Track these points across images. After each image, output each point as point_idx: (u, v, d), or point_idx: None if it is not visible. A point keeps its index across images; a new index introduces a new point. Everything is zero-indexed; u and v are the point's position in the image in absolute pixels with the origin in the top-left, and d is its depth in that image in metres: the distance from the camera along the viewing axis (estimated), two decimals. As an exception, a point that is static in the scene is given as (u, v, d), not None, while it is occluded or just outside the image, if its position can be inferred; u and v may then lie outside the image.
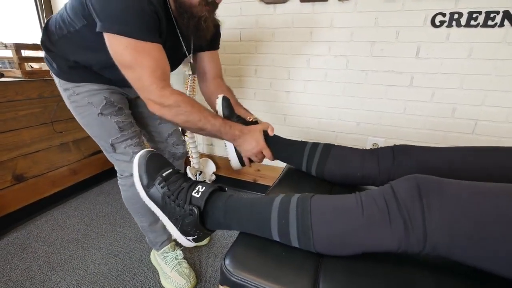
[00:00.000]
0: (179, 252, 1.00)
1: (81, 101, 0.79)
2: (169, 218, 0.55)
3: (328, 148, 0.69)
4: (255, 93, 1.47)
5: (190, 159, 1.48)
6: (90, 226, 1.29)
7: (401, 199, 0.40)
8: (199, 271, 1.05)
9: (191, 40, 0.82)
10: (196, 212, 0.51)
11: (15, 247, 1.14)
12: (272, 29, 1.32)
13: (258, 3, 1.31)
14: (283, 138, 0.79)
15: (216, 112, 0.82)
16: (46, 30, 0.77)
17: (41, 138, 1.33)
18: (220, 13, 1.38)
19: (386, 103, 1.23)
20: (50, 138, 1.37)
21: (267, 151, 0.76)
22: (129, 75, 0.64)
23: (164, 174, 0.56)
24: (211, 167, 1.65)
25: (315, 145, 0.71)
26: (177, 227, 0.55)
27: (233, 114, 0.81)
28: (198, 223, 0.51)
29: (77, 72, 0.77)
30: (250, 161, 0.81)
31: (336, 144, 0.72)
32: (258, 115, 1.50)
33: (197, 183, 0.56)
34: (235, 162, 0.82)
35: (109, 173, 1.68)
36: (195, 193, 0.54)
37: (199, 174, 1.55)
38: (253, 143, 0.74)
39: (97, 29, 0.60)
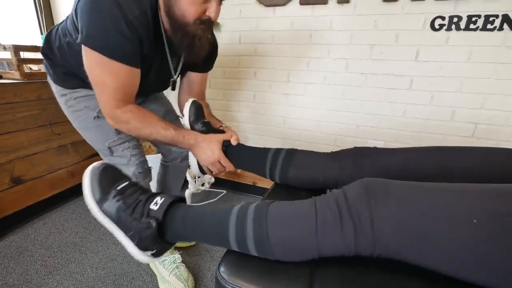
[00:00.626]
0: (177, 256, 1.00)
1: (78, 105, 0.79)
2: (126, 233, 0.52)
3: (291, 154, 0.68)
4: (255, 95, 1.47)
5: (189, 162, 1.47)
6: (88, 229, 1.28)
7: (351, 202, 0.41)
8: (197, 275, 1.04)
9: (180, 61, 0.81)
10: (154, 224, 0.48)
11: (12, 251, 1.13)
12: (271, 31, 1.33)
13: (258, 6, 1.31)
14: (246, 146, 0.77)
15: (182, 116, 0.81)
16: (47, 38, 0.79)
17: (39, 140, 1.32)
18: (220, 15, 1.38)
19: (386, 106, 1.23)
20: (48, 140, 1.36)
21: (225, 161, 0.73)
22: (95, 89, 0.68)
23: (119, 188, 0.53)
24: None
25: (277, 151, 0.70)
26: (134, 242, 0.52)
27: (199, 119, 0.79)
28: (156, 235, 0.49)
29: (73, 78, 0.78)
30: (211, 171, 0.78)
31: (301, 149, 0.71)
32: (257, 118, 1.51)
33: (155, 195, 0.54)
34: (194, 169, 0.81)
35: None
36: (153, 205, 0.51)
37: (198, 177, 1.54)
38: (208, 152, 0.72)
39: (77, 41, 0.63)
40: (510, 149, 0.55)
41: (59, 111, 1.38)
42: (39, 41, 1.60)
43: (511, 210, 0.35)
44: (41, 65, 1.44)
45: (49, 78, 0.85)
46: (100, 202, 0.53)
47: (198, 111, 0.80)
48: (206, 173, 0.81)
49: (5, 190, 1.21)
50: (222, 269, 0.44)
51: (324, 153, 0.68)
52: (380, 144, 1.28)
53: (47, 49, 0.79)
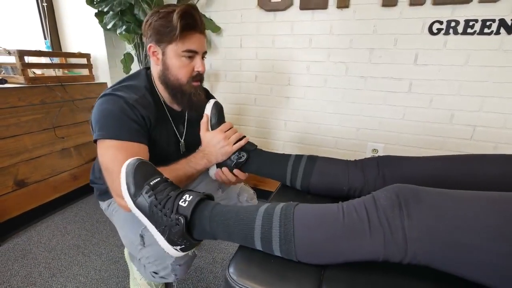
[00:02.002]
0: None
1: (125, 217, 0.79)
2: (157, 228, 0.54)
3: (313, 161, 0.68)
4: (256, 99, 1.48)
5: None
6: (90, 232, 1.29)
7: (381, 207, 0.40)
8: (199, 277, 1.05)
9: (184, 126, 0.87)
10: (182, 221, 0.50)
11: (16, 253, 1.14)
12: (272, 35, 1.35)
13: (259, 11, 1.33)
14: (265, 152, 0.76)
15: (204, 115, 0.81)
16: (91, 173, 0.90)
17: (42, 143, 1.34)
18: (221, 20, 1.41)
19: (385, 109, 1.24)
20: (51, 144, 1.38)
21: (235, 146, 0.74)
22: (107, 176, 0.68)
23: (152, 183, 0.55)
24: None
25: (298, 157, 0.70)
26: (164, 237, 0.54)
27: (220, 121, 0.79)
28: (185, 232, 0.51)
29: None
30: (236, 166, 0.76)
31: (322, 156, 0.70)
32: (258, 121, 1.52)
33: (184, 192, 0.55)
34: (213, 175, 0.79)
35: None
36: (182, 202, 0.52)
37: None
38: (214, 141, 0.74)
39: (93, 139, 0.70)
40: None
41: (62, 115, 1.40)
42: (42, 46, 1.63)
43: None
44: (45, 69, 1.46)
45: (99, 202, 0.90)
46: (134, 197, 0.55)
47: (220, 113, 0.81)
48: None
49: (9, 193, 1.22)
50: (231, 270, 0.45)
51: (345, 160, 0.67)
52: (380, 146, 1.30)
53: (93, 178, 0.88)
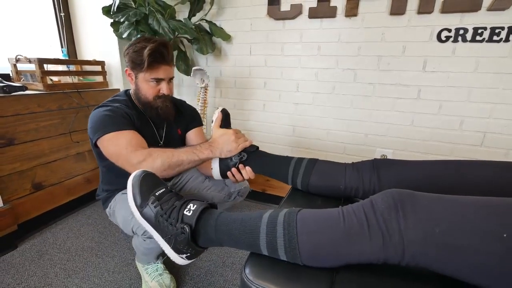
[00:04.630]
0: (160, 265, 1.01)
1: (121, 197, 0.95)
2: (163, 237, 0.56)
3: (312, 163, 0.72)
4: (265, 104, 1.51)
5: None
6: (103, 234, 1.32)
7: (379, 211, 0.42)
8: (210, 280, 1.06)
9: (163, 130, 1.02)
10: (187, 230, 0.52)
11: (32, 254, 1.18)
12: (281, 43, 1.38)
13: (268, 19, 1.36)
14: (268, 154, 0.81)
15: (212, 121, 0.88)
16: (99, 192, 1.07)
17: (59, 148, 1.38)
18: (232, 29, 1.45)
19: (394, 115, 1.25)
20: (67, 148, 1.42)
21: (242, 139, 0.81)
22: (115, 160, 0.82)
23: (157, 194, 0.58)
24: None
25: (300, 160, 0.74)
26: (170, 246, 0.56)
27: (226, 127, 0.85)
28: (190, 241, 0.53)
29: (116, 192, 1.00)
30: (238, 164, 0.81)
31: (322, 159, 0.74)
32: (267, 126, 1.55)
33: (189, 201, 0.57)
34: (216, 174, 0.83)
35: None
36: (186, 211, 0.55)
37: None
38: (224, 139, 0.79)
39: (94, 142, 0.85)
40: None
41: (78, 120, 1.45)
42: (59, 54, 1.69)
43: None
44: (61, 76, 1.52)
45: (106, 210, 1.03)
46: (140, 207, 0.58)
47: (226, 119, 0.87)
48: (227, 178, 0.84)
49: (26, 196, 1.26)
50: (247, 271, 0.46)
51: (344, 163, 0.70)
52: (388, 152, 1.30)
53: (98, 192, 1.06)
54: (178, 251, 0.55)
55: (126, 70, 0.91)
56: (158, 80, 0.89)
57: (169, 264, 1.06)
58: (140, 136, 0.86)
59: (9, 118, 1.16)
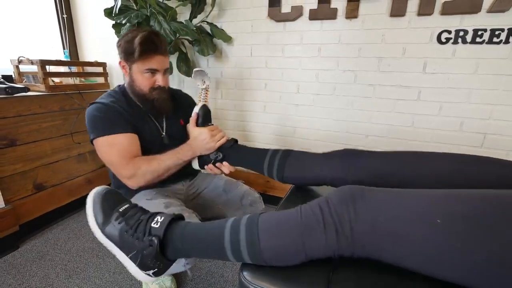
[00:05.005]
0: None
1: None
2: (127, 255, 0.54)
3: (286, 154, 0.75)
4: (265, 106, 1.51)
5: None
6: (104, 235, 1.32)
7: (333, 206, 0.45)
8: (210, 281, 1.07)
9: (163, 121, 0.98)
10: (156, 242, 0.51)
11: (34, 255, 1.18)
12: (281, 45, 1.38)
13: (269, 21, 1.37)
14: (247, 147, 0.86)
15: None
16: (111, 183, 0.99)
17: (60, 149, 1.39)
18: (233, 30, 1.46)
19: (394, 117, 1.26)
20: (69, 149, 1.43)
21: (219, 135, 0.85)
22: (110, 167, 0.85)
23: (121, 210, 0.56)
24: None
25: (275, 152, 0.77)
26: (135, 263, 0.54)
27: (206, 122, 0.90)
28: (158, 252, 0.51)
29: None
30: (214, 163, 0.86)
31: (296, 150, 0.77)
32: (267, 128, 1.55)
33: (155, 214, 0.56)
34: (195, 166, 0.90)
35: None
36: (154, 224, 0.53)
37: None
38: (203, 142, 0.84)
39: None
40: (478, 156, 0.59)
41: (80, 121, 1.46)
42: (61, 55, 1.70)
43: (470, 211, 0.39)
44: (63, 78, 1.52)
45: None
46: (102, 226, 0.55)
47: (206, 115, 0.90)
48: (204, 169, 0.89)
49: (28, 196, 1.27)
50: (245, 272, 0.47)
51: (316, 153, 0.73)
52: (389, 153, 1.30)
53: (115, 186, 0.95)
54: (144, 267, 0.54)
55: (120, 62, 0.88)
56: (153, 71, 0.86)
57: (169, 265, 1.07)
58: (133, 140, 0.84)
59: (11, 119, 1.17)
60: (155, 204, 0.84)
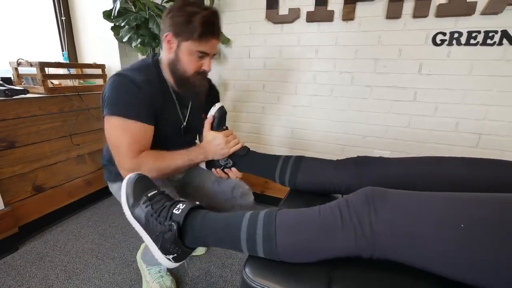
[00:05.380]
0: (162, 267, 1.02)
1: None
2: (150, 236, 0.58)
3: (299, 160, 0.75)
4: (264, 107, 1.53)
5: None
6: (103, 236, 1.33)
7: (353, 207, 0.45)
8: (210, 281, 1.07)
9: (187, 110, 0.93)
10: (175, 227, 0.54)
11: (33, 256, 1.18)
12: (279, 46, 1.39)
13: (267, 23, 1.38)
14: (258, 153, 0.85)
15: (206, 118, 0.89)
16: (104, 154, 0.95)
17: (59, 150, 1.39)
18: (231, 32, 1.47)
19: (391, 117, 1.27)
20: (68, 151, 1.43)
21: (233, 142, 0.83)
22: (113, 151, 0.78)
23: (149, 195, 0.60)
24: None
25: (287, 158, 0.77)
26: (157, 245, 0.57)
27: (220, 125, 0.87)
28: (177, 238, 0.54)
29: None
30: (224, 168, 0.86)
31: (308, 156, 0.78)
32: (266, 128, 1.56)
33: (178, 202, 0.59)
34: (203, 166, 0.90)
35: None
36: (175, 210, 0.57)
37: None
38: (217, 146, 0.82)
39: (103, 114, 0.77)
40: (495, 160, 0.60)
41: (79, 123, 1.46)
42: (60, 57, 1.71)
43: (490, 216, 0.39)
44: (62, 80, 1.53)
45: (110, 183, 0.94)
46: (132, 207, 0.60)
47: (222, 117, 0.88)
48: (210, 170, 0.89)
49: (28, 198, 1.27)
50: (247, 270, 0.48)
51: (329, 160, 0.74)
52: (386, 154, 1.32)
53: (105, 162, 0.93)
54: (165, 251, 0.57)
55: (167, 35, 0.77)
56: (203, 55, 0.79)
57: (169, 265, 1.08)
58: (149, 132, 0.79)
59: (10, 121, 1.17)
60: None
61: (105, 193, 1.68)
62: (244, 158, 0.84)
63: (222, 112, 0.88)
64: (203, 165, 0.91)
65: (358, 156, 0.71)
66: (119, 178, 0.87)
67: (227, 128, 0.88)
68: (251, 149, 0.87)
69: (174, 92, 0.87)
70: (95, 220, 1.46)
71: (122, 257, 1.19)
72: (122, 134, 0.74)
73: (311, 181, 0.72)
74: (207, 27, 0.74)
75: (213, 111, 0.87)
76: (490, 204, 0.41)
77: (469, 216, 0.40)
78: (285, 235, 0.47)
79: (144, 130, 0.77)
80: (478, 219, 0.39)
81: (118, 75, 0.76)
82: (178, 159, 0.80)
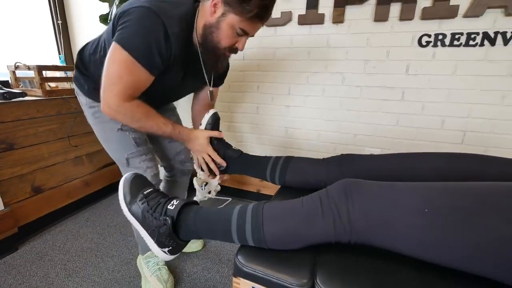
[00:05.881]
0: (160, 260, 1.06)
1: (105, 117, 0.85)
2: (147, 231, 0.62)
3: (288, 161, 0.81)
4: (258, 107, 1.57)
5: (197, 170, 1.55)
6: (102, 236, 1.36)
7: (332, 197, 0.50)
8: (207, 277, 1.11)
9: (212, 74, 0.93)
10: (169, 221, 0.58)
11: (33, 255, 1.21)
12: (273, 48, 1.43)
13: (260, 26, 1.42)
14: (249, 155, 0.91)
15: (200, 124, 0.94)
16: (80, 53, 0.88)
17: (57, 152, 1.42)
18: (225, 35, 1.50)
19: (381, 116, 1.32)
20: (66, 152, 1.46)
21: (212, 153, 0.88)
22: (106, 80, 0.72)
23: (145, 192, 0.64)
24: (216, 178, 1.72)
25: (277, 158, 0.84)
26: (153, 239, 0.61)
27: (215, 130, 0.92)
28: (171, 231, 0.58)
29: None
30: (210, 171, 0.93)
31: (297, 156, 0.84)
32: (260, 128, 1.60)
33: (172, 198, 0.64)
34: (198, 169, 0.97)
35: (118, 185, 1.75)
36: (170, 206, 0.61)
37: (205, 185, 1.62)
38: (196, 146, 0.89)
39: (112, 39, 0.70)
40: (472, 154, 0.65)
41: (76, 125, 1.49)
42: (56, 61, 1.73)
43: (453, 202, 0.44)
44: (59, 82, 1.55)
45: (78, 90, 0.93)
46: (129, 204, 0.64)
47: (216, 123, 0.93)
48: (206, 173, 0.93)
49: (27, 199, 1.30)
50: (239, 256, 0.52)
51: (315, 159, 0.80)
52: (376, 151, 1.36)
53: (80, 63, 0.88)
54: (161, 244, 0.61)
55: None
56: (243, 33, 0.76)
57: (168, 261, 1.11)
58: (149, 82, 0.75)
59: (9, 123, 1.20)
60: (125, 136, 0.89)
61: (103, 194, 1.71)
62: (237, 160, 0.89)
63: (216, 118, 0.93)
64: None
65: (341, 154, 0.77)
66: (92, 95, 0.87)
67: (220, 131, 0.93)
68: (246, 149, 0.91)
69: (200, 54, 0.83)
70: (93, 220, 1.48)
71: (121, 256, 1.22)
72: (125, 73, 0.70)
73: (299, 179, 0.77)
74: (261, 11, 0.71)
75: (206, 117, 0.92)
76: (454, 190, 0.46)
77: (434, 201, 0.44)
78: (271, 225, 0.51)
79: (147, 80, 0.74)
80: (441, 204, 0.44)
81: (152, 10, 0.67)
82: (162, 127, 0.81)
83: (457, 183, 0.48)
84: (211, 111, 0.92)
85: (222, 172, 0.93)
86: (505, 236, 0.38)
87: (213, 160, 0.90)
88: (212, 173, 0.94)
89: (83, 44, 0.92)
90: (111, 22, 0.75)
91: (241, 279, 0.52)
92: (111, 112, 0.75)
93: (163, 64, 0.74)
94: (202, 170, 0.95)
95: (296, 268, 0.48)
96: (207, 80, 0.91)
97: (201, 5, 0.77)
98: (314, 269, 0.48)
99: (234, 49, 0.80)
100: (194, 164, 0.97)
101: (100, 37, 0.84)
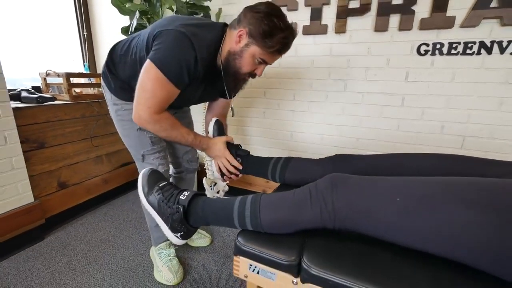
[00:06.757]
0: (171, 251, 1.16)
1: (127, 116, 0.96)
2: (162, 218, 0.71)
3: (287, 161, 0.90)
4: (265, 112, 1.65)
5: (207, 171, 1.65)
6: (118, 229, 1.47)
7: (320, 188, 0.58)
8: (213, 269, 1.19)
9: (231, 92, 1.02)
10: (181, 209, 0.67)
11: (58, 244, 1.33)
12: (279, 57, 1.52)
13: (267, 36, 1.52)
14: (254, 156, 0.99)
15: (208, 132, 1.04)
16: (111, 53, 0.96)
17: (81, 151, 1.55)
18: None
19: (382, 121, 1.37)
20: (88, 151, 1.59)
21: (229, 157, 0.96)
22: (140, 94, 0.81)
23: (160, 185, 0.74)
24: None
25: (278, 159, 0.92)
26: (167, 225, 0.70)
27: (220, 136, 1.02)
28: (183, 218, 0.67)
29: (128, 92, 0.93)
30: (224, 174, 1.00)
31: (296, 157, 0.92)
32: (267, 132, 1.68)
33: (184, 190, 0.73)
34: (215, 173, 1.04)
35: (134, 183, 1.87)
36: (182, 196, 0.70)
37: (214, 185, 1.71)
38: (216, 151, 0.96)
39: (148, 56, 0.79)
40: (454, 155, 0.71)
41: (98, 127, 1.62)
42: (81, 68, 1.89)
43: (422, 191, 0.50)
44: (83, 88, 1.70)
45: (105, 86, 1.00)
46: (147, 195, 0.74)
47: (220, 129, 1.04)
48: (224, 176, 1.00)
49: (53, 193, 1.43)
50: (239, 238, 0.61)
51: (313, 159, 0.88)
52: (378, 155, 1.42)
53: (110, 62, 0.96)
54: (174, 229, 0.70)
55: (241, 31, 0.80)
56: (263, 63, 0.84)
57: (178, 252, 1.20)
58: (175, 96, 0.84)
59: (41, 124, 1.34)
60: (142, 135, 0.99)
61: (120, 191, 1.83)
62: (244, 160, 0.98)
63: (219, 124, 1.04)
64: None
65: (336, 155, 0.84)
66: (117, 93, 0.96)
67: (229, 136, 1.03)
68: (253, 151, 1.00)
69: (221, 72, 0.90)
70: (111, 215, 1.60)
71: (136, 247, 1.32)
72: (158, 89, 0.78)
73: (297, 177, 0.86)
74: (282, 47, 0.80)
75: (211, 125, 1.04)
76: (425, 181, 0.52)
77: (405, 191, 0.51)
78: (267, 212, 0.60)
79: (175, 94, 0.83)
80: (411, 193, 0.51)
81: (186, 35, 0.75)
82: (186, 136, 0.90)
83: (435, 177, 0.54)
84: (213, 119, 1.04)
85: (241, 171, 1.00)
86: (463, 220, 0.45)
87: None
88: (230, 175, 1.01)
89: (106, 53, 1.00)
90: (145, 39, 0.83)
91: (241, 257, 0.60)
92: (142, 122, 0.83)
93: (189, 81, 0.83)
94: (222, 175, 1.03)
95: (287, 248, 0.55)
96: (227, 95, 1.00)
97: (229, 31, 0.86)
98: (302, 249, 0.55)
99: (253, 75, 0.89)
100: (214, 169, 1.04)
101: (130, 41, 0.92)
